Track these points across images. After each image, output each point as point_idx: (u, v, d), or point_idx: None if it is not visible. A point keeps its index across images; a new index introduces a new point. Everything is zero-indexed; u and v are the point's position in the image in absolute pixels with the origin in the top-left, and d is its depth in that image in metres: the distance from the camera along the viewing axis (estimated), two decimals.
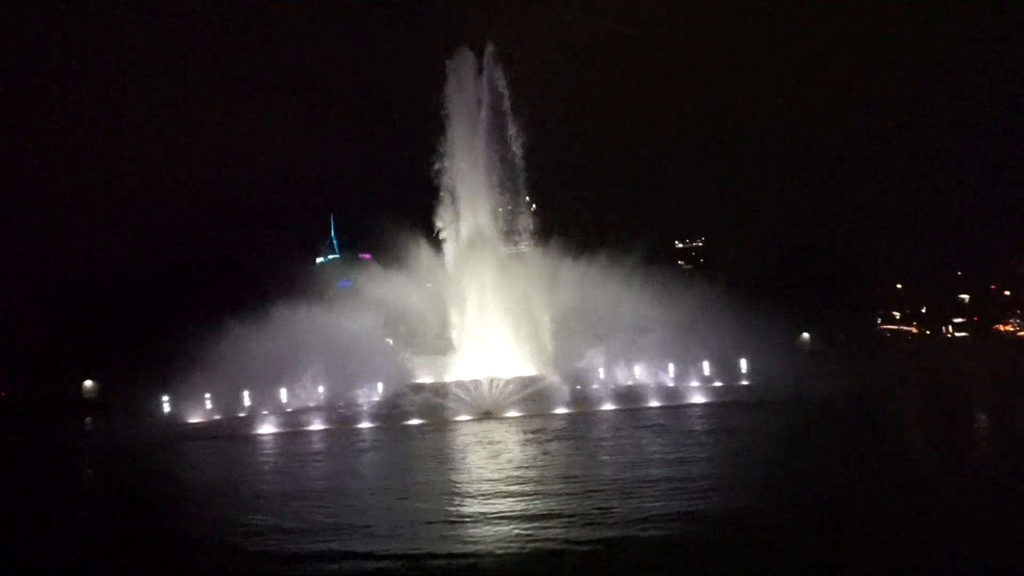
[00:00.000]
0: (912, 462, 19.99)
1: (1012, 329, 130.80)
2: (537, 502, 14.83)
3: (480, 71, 49.10)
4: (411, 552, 11.95)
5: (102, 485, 24.98)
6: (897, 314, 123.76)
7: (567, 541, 12.17)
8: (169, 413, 52.55)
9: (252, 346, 46.14)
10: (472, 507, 14.57)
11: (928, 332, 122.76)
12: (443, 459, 23.30)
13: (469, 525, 13.06)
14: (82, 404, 72.74)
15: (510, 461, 21.17)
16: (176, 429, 41.83)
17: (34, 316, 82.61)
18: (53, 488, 22.76)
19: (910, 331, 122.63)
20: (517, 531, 12.57)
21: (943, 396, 38.30)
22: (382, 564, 11.47)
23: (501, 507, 14.23)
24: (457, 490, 16.67)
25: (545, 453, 22.66)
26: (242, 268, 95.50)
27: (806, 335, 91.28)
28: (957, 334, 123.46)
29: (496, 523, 13.08)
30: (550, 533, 12.54)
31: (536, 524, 12.81)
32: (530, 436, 27.73)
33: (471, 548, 11.89)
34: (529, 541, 12.09)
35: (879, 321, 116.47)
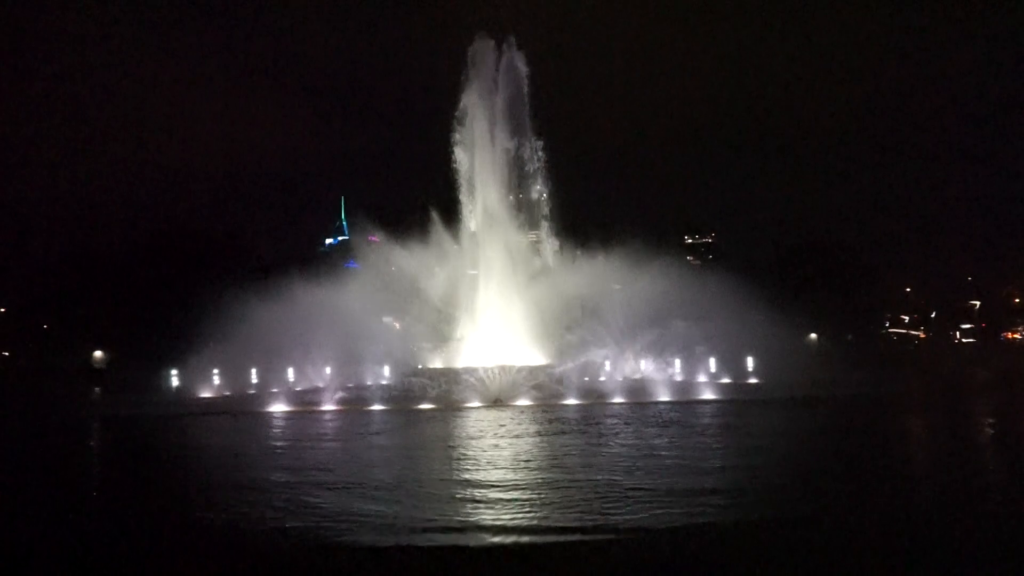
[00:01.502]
0: (933, 466, 19.99)
1: (1020, 337, 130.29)
2: (553, 511, 14.23)
3: (498, 59, 48.87)
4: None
5: (98, 457, 25.34)
6: (905, 318, 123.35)
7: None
8: (178, 386, 52.95)
9: (261, 324, 46.40)
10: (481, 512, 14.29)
11: (935, 337, 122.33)
12: (461, 453, 23.06)
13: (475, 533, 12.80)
14: (91, 374, 73.42)
15: (530, 460, 20.96)
16: (185, 403, 42.15)
17: (50, 285, 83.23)
18: (41, 463, 23.00)
19: (917, 335, 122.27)
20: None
21: (952, 399, 38.23)
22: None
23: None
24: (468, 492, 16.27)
25: (563, 446, 22.61)
26: (253, 246, 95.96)
27: (813, 335, 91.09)
28: (964, 340, 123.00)
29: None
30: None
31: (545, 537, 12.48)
32: (545, 427, 27.81)
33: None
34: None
35: (887, 324, 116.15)
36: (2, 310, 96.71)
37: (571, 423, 28.40)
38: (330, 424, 31.41)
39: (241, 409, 37.48)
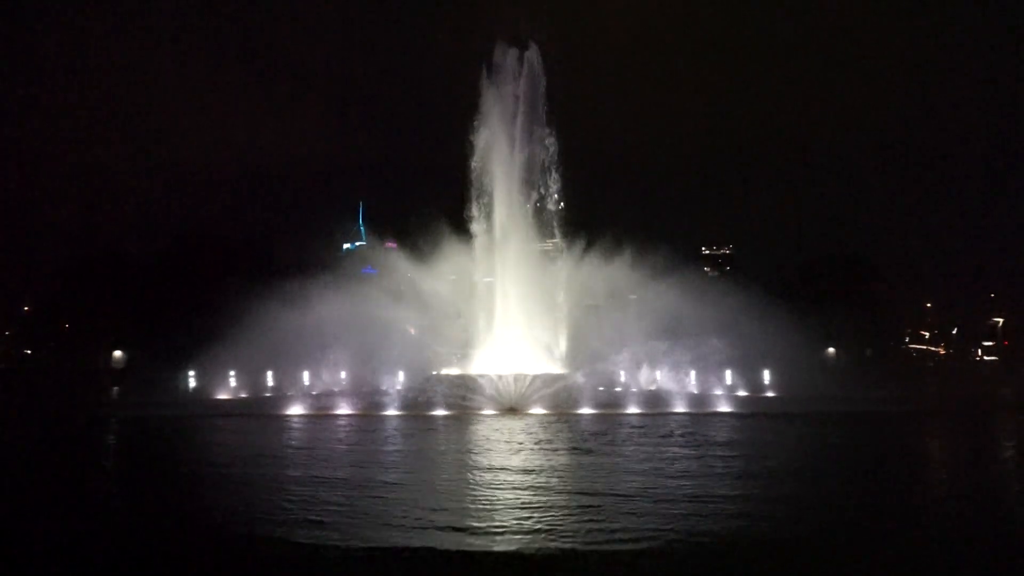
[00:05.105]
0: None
1: None
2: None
3: (518, 68, 48.94)
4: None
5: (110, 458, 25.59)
6: (925, 333, 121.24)
7: None
8: (195, 388, 53.43)
9: (277, 327, 46.71)
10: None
11: (956, 354, 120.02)
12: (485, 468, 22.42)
13: None
14: (110, 373, 74.37)
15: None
16: (199, 404, 42.47)
17: (72, 287, 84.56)
18: (43, 461, 23.29)
19: (937, 352, 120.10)
20: None
21: (974, 418, 37.38)
22: None
23: None
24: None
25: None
26: (271, 250, 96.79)
27: (831, 350, 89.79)
28: (986, 358, 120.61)
29: None
30: None
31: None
32: (556, 441, 27.36)
33: None
34: None
35: (906, 339, 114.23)
36: (25, 309, 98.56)
37: (583, 436, 28.05)
38: (328, 432, 31.30)
39: (252, 412, 37.63)
